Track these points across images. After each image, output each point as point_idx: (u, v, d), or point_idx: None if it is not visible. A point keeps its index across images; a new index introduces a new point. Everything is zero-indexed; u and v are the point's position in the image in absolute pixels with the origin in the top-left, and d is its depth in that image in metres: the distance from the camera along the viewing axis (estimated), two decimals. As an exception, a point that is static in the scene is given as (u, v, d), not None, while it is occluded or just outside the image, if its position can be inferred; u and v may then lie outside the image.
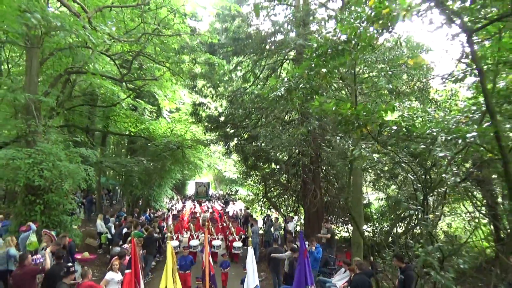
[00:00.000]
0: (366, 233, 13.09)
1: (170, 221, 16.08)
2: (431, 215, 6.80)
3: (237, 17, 12.18)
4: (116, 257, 7.68)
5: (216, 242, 12.59)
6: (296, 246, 9.89)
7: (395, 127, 4.70)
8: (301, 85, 5.82)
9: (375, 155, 6.43)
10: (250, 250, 7.26)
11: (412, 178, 6.77)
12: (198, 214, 19.46)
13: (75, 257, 8.34)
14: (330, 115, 5.50)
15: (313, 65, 5.99)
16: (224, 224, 15.36)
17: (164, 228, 14.19)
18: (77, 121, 17.25)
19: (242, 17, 11.87)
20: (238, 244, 12.73)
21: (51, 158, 9.20)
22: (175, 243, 12.37)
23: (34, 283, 6.29)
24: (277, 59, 14.08)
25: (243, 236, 13.77)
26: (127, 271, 6.60)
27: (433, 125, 4.97)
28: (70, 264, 6.53)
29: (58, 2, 7.88)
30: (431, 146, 4.61)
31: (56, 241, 7.87)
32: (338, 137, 6.95)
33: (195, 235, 13.44)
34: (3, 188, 11.66)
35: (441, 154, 4.23)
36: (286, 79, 6.18)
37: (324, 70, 5.88)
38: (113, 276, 7.03)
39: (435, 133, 4.50)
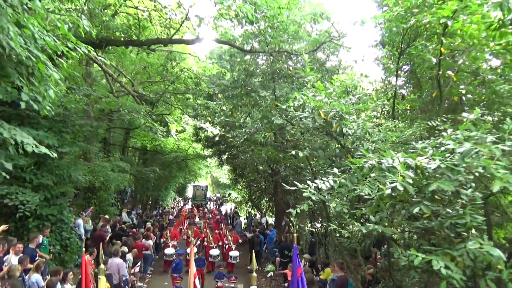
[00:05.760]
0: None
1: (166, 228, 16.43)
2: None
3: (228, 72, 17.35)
4: (149, 230, 12.99)
5: (213, 252, 12.84)
6: (258, 230, 15.21)
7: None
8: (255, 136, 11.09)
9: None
10: None
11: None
12: (197, 220, 20.27)
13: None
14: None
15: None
16: (221, 232, 15.88)
17: (162, 236, 14.88)
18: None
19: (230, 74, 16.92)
20: (235, 253, 12.89)
21: (103, 169, 14.45)
22: (171, 250, 12.77)
23: (104, 241, 11.36)
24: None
25: (240, 241, 14.47)
26: None
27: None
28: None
29: (124, 88, 13.05)
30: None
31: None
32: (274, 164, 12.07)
33: (193, 242, 13.77)
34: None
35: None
36: (244, 131, 11.46)
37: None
38: (149, 242, 12.25)
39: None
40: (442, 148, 3.91)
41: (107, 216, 13.64)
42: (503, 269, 3.65)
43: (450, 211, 4.08)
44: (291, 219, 17.15)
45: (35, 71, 4.45)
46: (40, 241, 8.09)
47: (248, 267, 13.59)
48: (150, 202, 26.93)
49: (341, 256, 9.18)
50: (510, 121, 4.30)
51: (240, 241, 14.35)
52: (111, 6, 12.48)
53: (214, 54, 21.26)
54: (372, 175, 3.81)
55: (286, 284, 10.77)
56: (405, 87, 11.98)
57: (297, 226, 16.36)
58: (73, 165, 9.74)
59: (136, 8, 12.31)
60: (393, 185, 3.35)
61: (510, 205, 7.97)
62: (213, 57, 19.91)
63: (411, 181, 3.34)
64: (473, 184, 4.20)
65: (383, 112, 10.58)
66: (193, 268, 6.65)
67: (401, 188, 3.26)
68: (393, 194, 3.70)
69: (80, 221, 11.12)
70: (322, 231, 11.09)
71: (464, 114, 4.28)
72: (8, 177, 4.78)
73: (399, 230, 4.61)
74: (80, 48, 4.61)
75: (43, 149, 4.26)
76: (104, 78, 16.61)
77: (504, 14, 4.76)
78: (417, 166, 3.59)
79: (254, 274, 5.82)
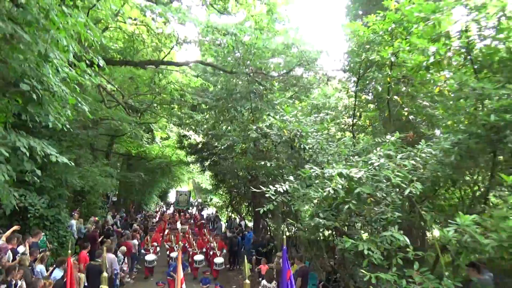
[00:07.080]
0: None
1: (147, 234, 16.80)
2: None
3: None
4: (135, 231, 14.01)
5: (198, 257, 13.03)
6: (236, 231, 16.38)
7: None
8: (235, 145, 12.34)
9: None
10: None
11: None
12: (178, 226, 20.27)
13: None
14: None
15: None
16: (206, 238, 16.08)
17: (142, 242, 14.75)
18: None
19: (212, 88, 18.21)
20: (219, 260, 12.95)
21: (92, 174, 15.39)
22: (152, 256, 13.03)
23: (96, 241, 12.36)
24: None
25: (224, 251, 14.24)
26: None
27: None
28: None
29: (113, 99, 14.11)
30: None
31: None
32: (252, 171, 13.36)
33: (176, 247, 13.28)
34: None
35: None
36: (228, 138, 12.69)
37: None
38: (135, 242, 13.27)
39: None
40: (369, 162, 5.29)
41: (97, 218, 14.63)
42: (410, 251, 5.03)
43: (376, 209, 5.46)
44: (268, 222, 18.45)
45: (56, 97, 5.64)
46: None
47: (227, 266, 14.80)
48: (133, 207, 27.78)
49: (307, 252, 10.55)
50: (423, 142, 5.76)
51: (224, 250, 14.45)
52: (101, 20, 13.58)
53: (199, 67, 22.53)
54: (317, 181, 5.14)
55: (260, 279, 12.02)
56: (372, 102, 13.52)
57: (273, 228, 17.67)
58: (70, 170, 10.76)
59: (125, 22, 13.41)
60: (327, 189, 4.69)
61: (450, 208, 9.50)
62: (198, 70, 21.16)
63: (340, 186, 4.68)
64: (398, 189, 5.63)
65: (347, 127, 12.03)
66: (180, 273, 6.52)
67: (332, 192, 4.60)
68: (333, 196, 5.06)
69: (73, 221, 12.09)
70: (294, 232, 12.38)
71: (388, 136, 5.69)
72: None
73: (342, 224, 5.96)
74: (94, 79, 5.83)
75: (64, 159, 5.39)
76: (94, 87, 17.63)
77: (426, 58, 6.23)
78: (348, 175, 4.95)
79: (247, 281, 5.52)
